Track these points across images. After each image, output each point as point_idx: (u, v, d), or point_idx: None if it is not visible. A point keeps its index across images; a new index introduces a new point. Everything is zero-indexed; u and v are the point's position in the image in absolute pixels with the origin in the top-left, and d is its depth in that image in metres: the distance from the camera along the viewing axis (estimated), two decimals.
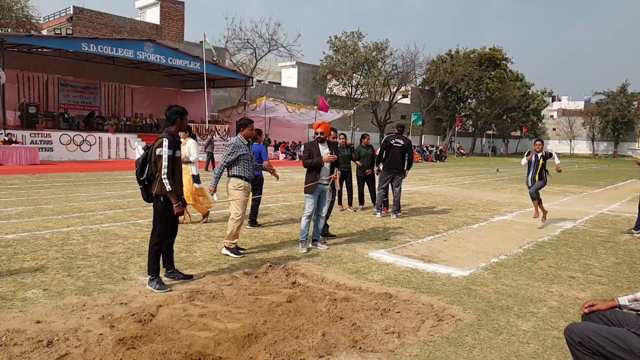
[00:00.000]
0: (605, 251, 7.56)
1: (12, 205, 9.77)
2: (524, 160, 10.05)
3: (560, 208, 12.56)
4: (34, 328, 3.93)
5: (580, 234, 8.97)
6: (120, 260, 6.07)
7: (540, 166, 9.77)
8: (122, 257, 6.21)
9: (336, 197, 8.43)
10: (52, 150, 23.18)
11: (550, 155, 9.92)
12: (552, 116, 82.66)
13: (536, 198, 9.71)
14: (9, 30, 28.85)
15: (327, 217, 7.67)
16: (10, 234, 7.23)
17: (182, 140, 7.97)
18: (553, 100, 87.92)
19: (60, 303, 4.53)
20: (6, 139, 20.74)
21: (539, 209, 9.72)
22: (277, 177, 7.25)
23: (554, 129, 77.17)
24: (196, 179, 8.50)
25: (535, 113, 68.05)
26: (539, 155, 9.77)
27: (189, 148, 8.40)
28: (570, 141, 74.84)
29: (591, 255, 7.22)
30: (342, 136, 10.66)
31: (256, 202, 8.66)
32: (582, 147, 74.75)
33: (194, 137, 8.80)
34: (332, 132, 7.97)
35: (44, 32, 33.86)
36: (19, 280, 5.16)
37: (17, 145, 20.87)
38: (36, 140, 22.62)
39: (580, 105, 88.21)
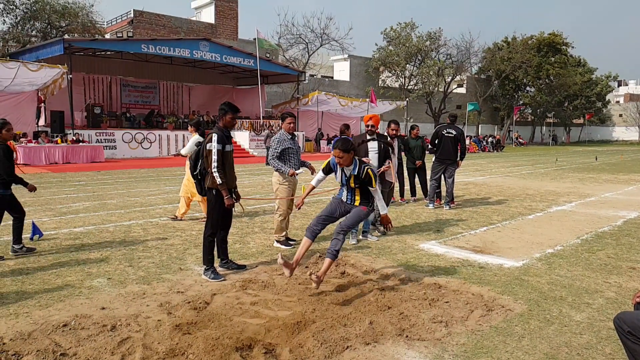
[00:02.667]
0: None
1: (80, 200, 10.37)
2: None
3: (624, 197, 12.01)
4: (99, 314, 4.22)
5: None
6: (178, 252, 6.35)
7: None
8: (179, 249, 6.50)
9: (394, 189, 8.33)
10: (116, 148, 24.28)
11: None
12: (618, 102, 78.47)
13: None
14: (75, 36, 30.38)
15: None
16: (78, 227, 7.70)
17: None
18: (619, 85, 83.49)
19: (122, 291, 4.83)
20: (74, 138, 21.93)
21: None
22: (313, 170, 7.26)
23: (620, 115, 73.27)
24: None
25: (599, 98, 64.80)
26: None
27: (188, 143, 8.34)
28: (639, 128, 70.87)
29: None
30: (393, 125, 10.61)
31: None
32: None
33: (202, 134, 8.35)
34: (391, 124, 7.92)
35: (107, 36, 35.45)
36: (86, 270, 5.51)
37: (84, 144, 22.02)
38: (101, 139, 23.76)
39: None
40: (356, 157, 4.82)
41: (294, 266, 4.86)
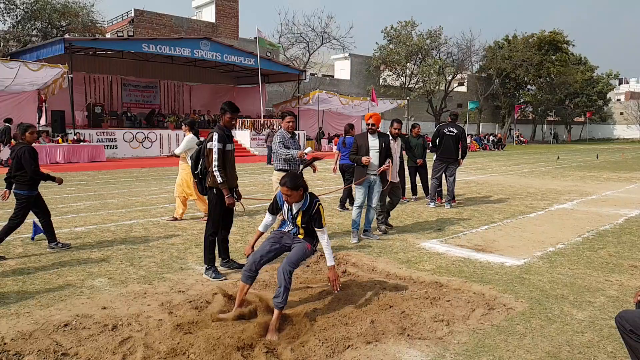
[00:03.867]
0: None
1: (81, 200, 10.37)
2: None
3: (625, 195, 11.99)
4: (100, 313, 4.22)
5: None
6: (179, 251, 6.35)
7: None
8: (180, 248, 6.50)
9: (400, 188, 8.28)
10: (117, 148, 24.27)
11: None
12: (619, 100, 78.28)
13: None
14: (76, 35, 30.37)
15: (392, 207, 7.77)
16: (79, 227, 7.70)
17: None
18: (620, 83, 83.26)
19: (123, 291, 4.83)
20: (75, 138, 21.94)
21: None
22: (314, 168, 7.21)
23: (621, 113, 73.10)
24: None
25: (600, 96, 64.65)
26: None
27: (182, 142, 8.33)
28: None
29: None
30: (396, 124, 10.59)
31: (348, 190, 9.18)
32: None
33: (196, 133, 8.43)
34: (394, 123, 7.87)
35: (108, 36, 35.45)
36: (87, 269, 5.52)
37: (85, 143, 22.03)
38: (102, 139, 23.76)
39: None
40: (308, 193, 4.34)
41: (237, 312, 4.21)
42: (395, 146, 7.71)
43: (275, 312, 3.94)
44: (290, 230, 4.43)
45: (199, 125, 29.83)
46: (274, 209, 4.53)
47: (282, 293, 3.95)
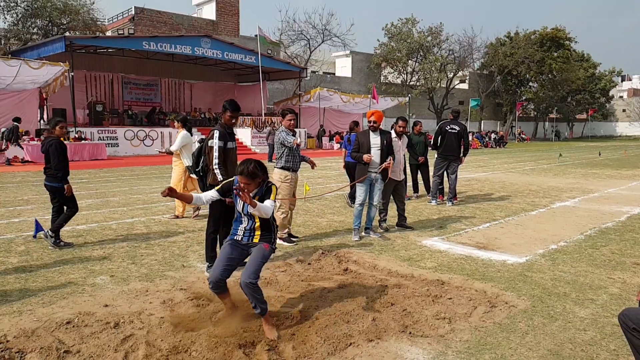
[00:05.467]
0: None
1: (82, 198, 10.37)
2: None
3: (627, 193, 11.97)
4: (102, 311, 4.22)
5: None
6: (181, 249, 6.35)
7: None
8: (182, 246, 6.50)
9: (405, 186, 8.20)
10: (118, 146, 24.28)
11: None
12: (621, 97, 78.12)
13: None
14: (76, 33, 30.37)
15: (402, 210, 7.75)
16: (80, 225, 7.71)
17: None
18: (623, 80, 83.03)
19: (125, 288, 4.83)
20: (76, 136, 21.94)
21: None
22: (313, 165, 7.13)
23: (623, 111, 73.01)
24: (191, 169, 8.26)
25: (603, 94, 64.50)
26: None
27: (176, 139, 8.35)
28: None
29: None
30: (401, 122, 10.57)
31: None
32: None
33: (189, 130, 8.48)
34: (399, 121, 7.80)
35: (108, 33, 35.44)
36: (89, 267, 5.52)
37: (86, 141, 22.04)
38: (103, 137, 23.76)
39: None
40: (266, 181, 4.00)
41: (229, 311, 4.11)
42: (400, 144, 7.67)
43: (262, 319, 3.83)
44: (243, 235, 4.01)
45: (199, 124, 29.94)
46: (224, 190, 4.11)
47: (257, 304, 3.77)
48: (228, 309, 4.04)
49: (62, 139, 6.48)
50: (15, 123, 18.82)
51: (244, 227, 4.02)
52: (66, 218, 6.47)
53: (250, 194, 3.79)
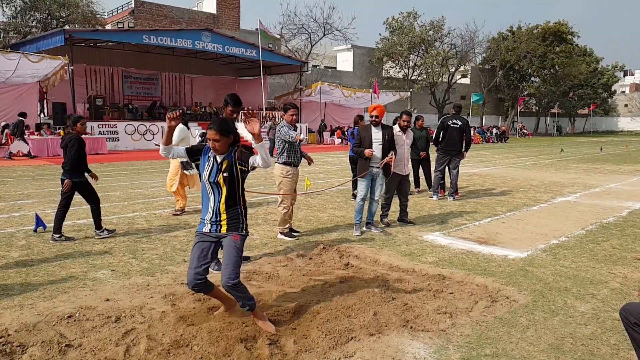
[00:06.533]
0: None
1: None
2: None
3: (629, 188, 11.96)
4: (103, 305, 4.22)
5: None
6: (182, 243, 6.35)
7: None
8: (183, 240, 6.50)
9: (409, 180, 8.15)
10: (118, 140, 24.24)
11: None
12: (623, 92, 77.90)
13: None
14: (76, 26, 30.29)
15: (405, 205, 7.73)
16: (81, 220, 7.70)
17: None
18: (625, 75, 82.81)
19: (126, 283, 4.83)
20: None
21: None
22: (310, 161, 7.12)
23: (625, 106, 72.80)
24: (184, 165, 8.16)
25: (605, 88, 64.29)
26: None
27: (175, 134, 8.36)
28: None
29: None
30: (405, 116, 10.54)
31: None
32: None
33: (185, 123, 8.47)
34: (404, 115, 7.70)
35: (108, 27, 35.36)
36: (90, 261, 5.52)
37: (87, 136, 22.00)
38: (103, 131, 23.72)
39: None
40: (238, 146, 3.78)
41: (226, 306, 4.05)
42: (405, 138, 7.61)
43: (254, 314, 3.81)
44: (210, 225, 3.81)
45: (200, 118, 29.87)
46: (192, 152, 3.92)
47: (245, 302, 3.74)
48: (224, 302, 4.00)
49: (82, 135, 6.66)
50: (20, 118, 18.81)
51: (211, 210, 3.78)
52: (96, 212, 6.62)
53: (218, 154, 3.68)
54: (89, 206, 6.67)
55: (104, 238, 6.52)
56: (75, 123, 6.60)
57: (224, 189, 3.73)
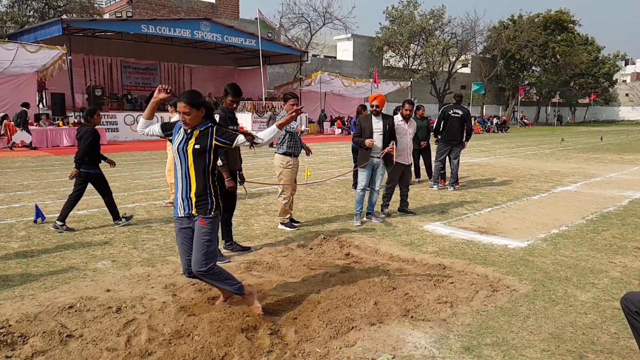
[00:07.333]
0: None
1: None
2: None
3: (629, 177, 11.94)
4: (104, 296, 4.22)
5: None
6: None
7: None
8: None
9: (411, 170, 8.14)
10: (118, 131, 24.16)
11: None
12: (624, 81, 77.55)
13: None
14: (73, 16, 30.07)
15: (405, 195, 7.71)
16: (81, 210, 7.70)
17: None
18: (626, 64, 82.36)
19: (127, 273, 4.83)
20: (76, 121, 21.85)
21: None
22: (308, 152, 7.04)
23: (626, 95, 72.53)
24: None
25: (606, 78, 63.99)
26: None
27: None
28: None
29: None
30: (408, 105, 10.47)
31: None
32: None
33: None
34: (406, 104, 7.64)
35: (106, 16, 35.13)
36: (90, 252, 5.52)
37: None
38: (103, 122, 23.62)
39: None
40: (213, 122, 3.73)
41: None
42: (407, 128, 7.57)
43: (245, 299, 3.83)
44: (183, 207, 3.70)
45: None
46: (166, 127, 3.83)
47: (228, 287, 3.75)
48: (222, 291, 3.99)
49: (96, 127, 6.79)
50: (23, 108, 18.74)
51: (181, 185, 3.69)
52: (110, 204, 6.73)
53: (190, 128, 3.61)
54: (89, 198, 6.67)
55: (118, 226, 6.68)
56: (92, 115, 6.73)
57: (192, 161, 3.63)
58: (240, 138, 3.71)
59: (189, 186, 3.67)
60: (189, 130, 3.64)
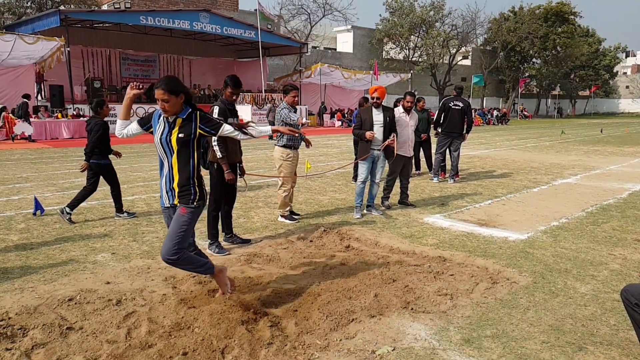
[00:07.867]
0: None
1: (82, 175, 10.31)
2: None
3: (629, 170, 11.93)
4: (104, 288, 4.22)
5: None
6: None
7: None
8: None
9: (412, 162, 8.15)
10: (116, 123, 24.07)
11: None
12: (625, 73, 77.27)
13: None
14: (71, 7, 29.91)
15: (405, 187, 7.69)
16: (82, 203, 7.67)
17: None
18: (627, 56, 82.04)
19: (127, 266, 4.83)
20: (74, 113, 21.80)
21: None
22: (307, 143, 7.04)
23: (627, 87, 72.33)
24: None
25: (607, 70, 63.76)
26: None
27: None
28: None
29: None
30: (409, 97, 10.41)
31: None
32: None
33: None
34: (407, 96, 7.60)
35: (105, 7, 34.93)
36: (90, 245, 5.52)
37: (85, 118, 21.90)
38: None
39: None
40: (195, 108, 3.61)
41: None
42: (408, 120, 7.54)
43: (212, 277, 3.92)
44: (167, 195, 3.66)
45: (199, 101, 29.64)
46: (144, 121, 3.73)
47: (198, 271, 3.79)
48: (221, 284, 3.99)
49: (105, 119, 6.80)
50: (24, 100, 18.69)
51: (165, 175, 3.63)
52: (116, 195, 6.78)
53: (169, 115, 3.51)
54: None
55: (119, 218, 6.72)
56: (102, 106, 6.74)
57: (176, 150, 3.55)
58: (226, 128, 3.65)
59: (172, 177, 3.60)
60: (171, 120, 3.54)
